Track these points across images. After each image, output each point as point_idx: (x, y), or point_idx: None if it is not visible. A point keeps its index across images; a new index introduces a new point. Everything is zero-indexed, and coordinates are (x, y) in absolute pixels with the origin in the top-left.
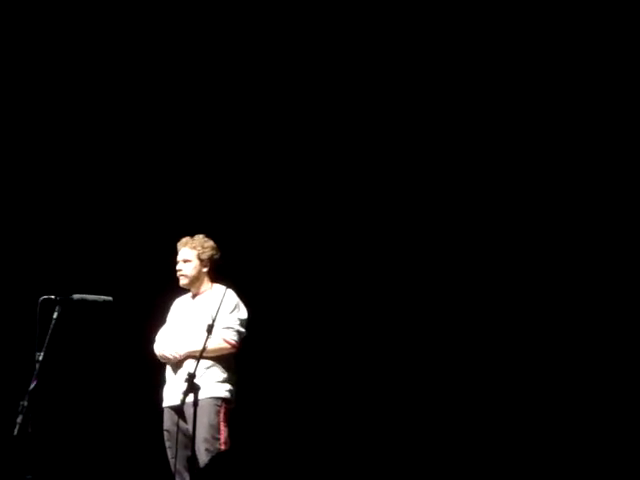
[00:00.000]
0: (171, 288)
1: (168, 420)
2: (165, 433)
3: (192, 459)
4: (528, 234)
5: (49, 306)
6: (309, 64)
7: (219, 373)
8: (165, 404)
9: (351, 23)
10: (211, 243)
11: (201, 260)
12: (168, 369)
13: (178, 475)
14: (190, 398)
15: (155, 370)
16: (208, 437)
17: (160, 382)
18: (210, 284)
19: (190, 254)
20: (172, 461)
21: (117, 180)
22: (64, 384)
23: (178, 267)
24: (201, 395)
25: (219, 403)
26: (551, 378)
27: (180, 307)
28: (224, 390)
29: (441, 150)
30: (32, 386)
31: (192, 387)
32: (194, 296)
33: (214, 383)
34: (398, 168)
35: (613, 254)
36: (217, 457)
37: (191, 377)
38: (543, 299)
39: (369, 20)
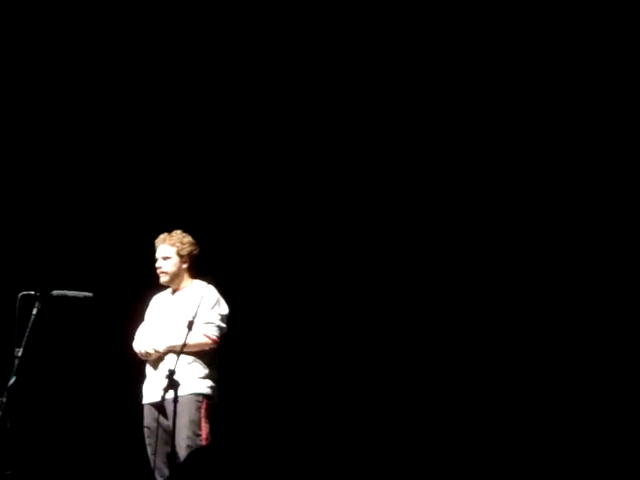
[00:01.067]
0: (152, 284)
1: (148, 417)
2: (145, 430)
3: (172, 455)
4: (528, 234)
5: (29, 302)
6: (286, 55)
7: (200, 369)
8: (145, 401)
9: (351, 23)
10: (189, 239)
11: (181, 256)
12: (148, 365)
13: (158, 471)
14: (170, 394)
15: (135, 366)
16: (189, 433)
17: (140, 378)
18: (190, 280)
19: (169, 251)
20: (152, 457)
21: (96, 177)
22: (43, 380)
23: (157, 264)
24: (182, 391)
25: (200, 399)
26: (551, 378)
27: (159, 303)
28: (205, 386)
29: (438, 149)
30: (11, 382)
31: (172, 383)
32: (174, 292)
33: (195, 379)
34: (378, 158)
35: (613, 254)
36: (197, 452)
37: (171, 374)
38: (543, 299)
39: (369, 20)
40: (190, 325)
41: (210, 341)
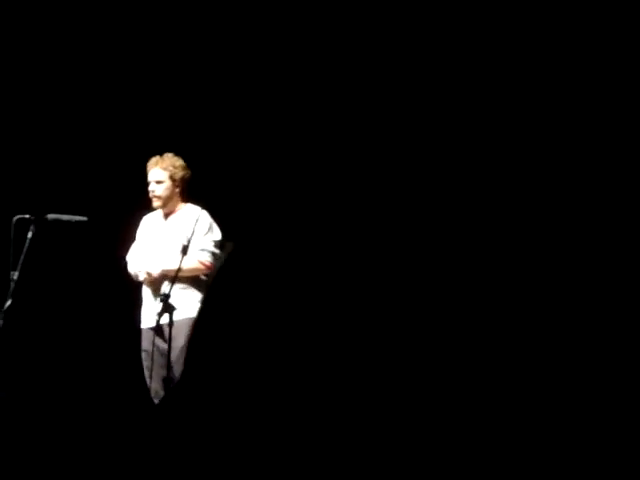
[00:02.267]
0: (146, 207)
1: (146, 340)
2: (143, 353)
3: (168, 378)
4: (528, 233)
5: (24, 225)
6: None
7: (196, 293)
8: (143, 325)
9: (350, 22)
10: (181, 162)
11: (173, 180)
12: (145, 290)
13: (155, 394)
14: (166, 318)
15: (131, 290)
16: (183, 358)
17: (136, 302)
18: (182, 204)
19: (162, 175)
20: (149, 380)
21: (88, 100)
22: (39, 303)
23: (150, 188)
24: (178, 316)
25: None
26: (551, 378)
27: (151, 226)
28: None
29: (438, 147)
30: (7, 305)
31: (167, 307)
32: (166, 216)
33: (191, 303)
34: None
35: (613, 254)
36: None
37: (166, 297)
38: (543, 298)
39: (369, 19)
40: (185, 250)
41: (204, 267)
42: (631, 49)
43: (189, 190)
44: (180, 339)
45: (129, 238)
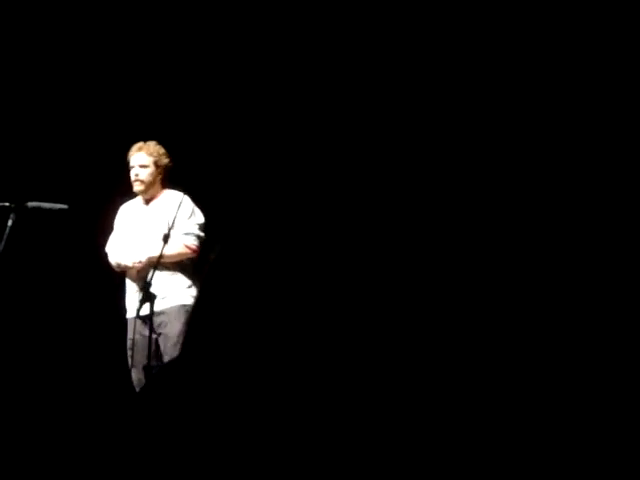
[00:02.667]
0: (126, 194)
1: (132, 329)
2: (129, 342)
3: (150, 368)
4: (527, 233)
5: (4, 213)
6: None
7: (184, 279)
8: (129, 314)
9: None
10: (164, 150)
11: (157, 166)
12: (128, 279)
13: (138, 383)
14: (149, 307)
15: (113, 278)
16: (178, 345)
17: (117, 291)
18: (163, 190)
19: (147, 160)
20: (133, 369)
21: (69, 90)
22: (19, 292)
23: (134, 172)
24: (169, 303)
25: (189, 309)
26: (551, 378)
27: (132, 213)
28: (190, 296)
29: (439, 147)
30: None
31: (148, 296)
32: (147, 202)
33: (181, 289)
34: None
35: (613, 255)
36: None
37: (147, 286)
38: (542, 298)
39: (369, 19)
40: (166, 238)
41: (190, 251)
42: (631, 49)
43: (171, 179)
44: (172, 326)
45: (109, 225)
